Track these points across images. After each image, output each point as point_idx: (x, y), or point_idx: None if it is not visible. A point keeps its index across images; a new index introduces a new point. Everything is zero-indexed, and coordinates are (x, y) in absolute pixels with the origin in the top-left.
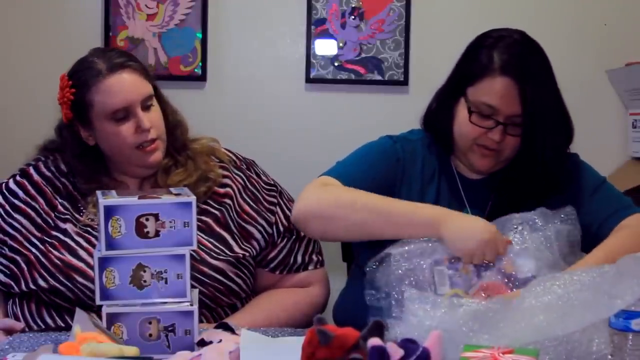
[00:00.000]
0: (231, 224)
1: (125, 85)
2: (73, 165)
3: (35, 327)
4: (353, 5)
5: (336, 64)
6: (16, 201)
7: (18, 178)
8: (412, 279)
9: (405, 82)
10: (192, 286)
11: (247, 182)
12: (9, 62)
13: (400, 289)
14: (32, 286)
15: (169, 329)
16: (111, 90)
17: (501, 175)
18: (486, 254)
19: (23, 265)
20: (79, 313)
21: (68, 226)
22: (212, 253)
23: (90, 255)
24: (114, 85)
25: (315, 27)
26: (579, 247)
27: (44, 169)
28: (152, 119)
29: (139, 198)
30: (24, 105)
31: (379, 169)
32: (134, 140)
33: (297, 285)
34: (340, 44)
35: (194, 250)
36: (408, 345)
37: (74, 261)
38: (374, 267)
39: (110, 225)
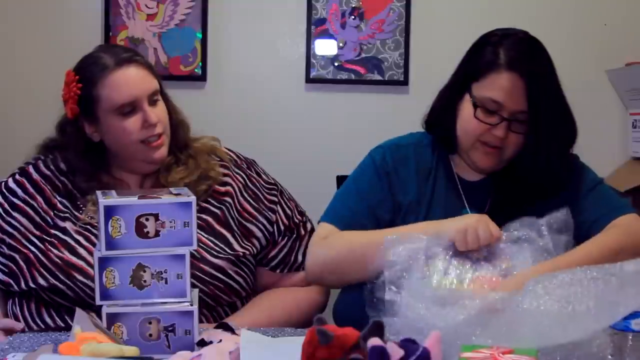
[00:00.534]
0: (232, 222)
1: (132, 80)
2: (75, 162)
3: (35, 327)
4: (353, 5)
5: (336, 64)
6: (15, 200)
7: (17, 177)
8: (405, 274)
9: (405, 82)
10: (193, 285)
11: (247, 181)
12: (9, 62)
13: (398, 282)
14: (31, 285)
15: (169, 329)
16: (118, 84)
17: (501, 175)
18: (479, 229)
19: (22, 263)
20: (79, 313)
21: (67, 224)
22: (213, 251)
23: (90, 253)
24: (121, 80)
25: (315, 27)
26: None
27: (43, 168)
28: (159, 114)
29: (139, 198)
30: (24, 105)
31: (371, 194)
32: (140, 134)
33: (297, 284)
34: (340, 44)
35: (194, 249)
36: (408, 345)
37: (74, 259)
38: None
39: (110, 225)
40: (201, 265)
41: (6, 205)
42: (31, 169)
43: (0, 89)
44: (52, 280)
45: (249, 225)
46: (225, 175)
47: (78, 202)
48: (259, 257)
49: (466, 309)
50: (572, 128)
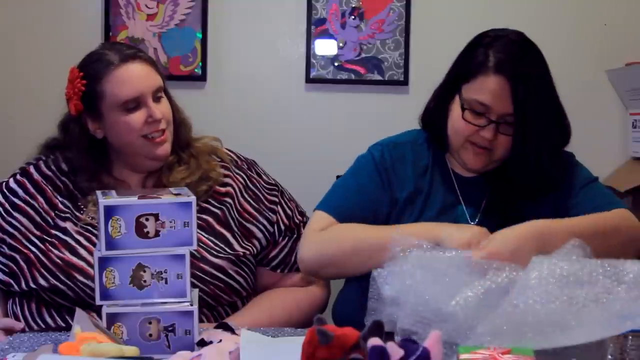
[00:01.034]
0: (232, 222)
1: (136, 75)
2: (77, 161)
3: (35, 327)
4: (353, 5)
5: (336, 64)
6: (16, 200)
7: (18, 177)
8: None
9: (405, 82)
10: (193, 284)
11: (248, 181)
12: (9, 62)
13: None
14: (32, 285)
15: (169, 329)
16: (123, 80)
17: (493, 175)
18: (482, 243)
19: (22, 264)
20: (79, 313)
21: (68, 225)
22: (213, 251)
23: (91, 253)
24: (126, 75)
25: (315, 27)
26: None
27: (44, 168)
28: (163, 110)
29: (139, 198)
30: (25, 105)
31: (369, 189)
32: (144, 130)
33: (297, 284)
34: (340, 44)
35: (194, 249)
36: (408, 345)
37: (74, 260)
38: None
39: (110, 225)
40: (201, 265)
41: (7, 206)
42: (32, 169)
43: (0, 89)
44: (53, 281)
45: (249, 225)
46: (225, 175)
47: (79, 203)
48: (259, 257)
49: (471, 288)
50: (564, 129)
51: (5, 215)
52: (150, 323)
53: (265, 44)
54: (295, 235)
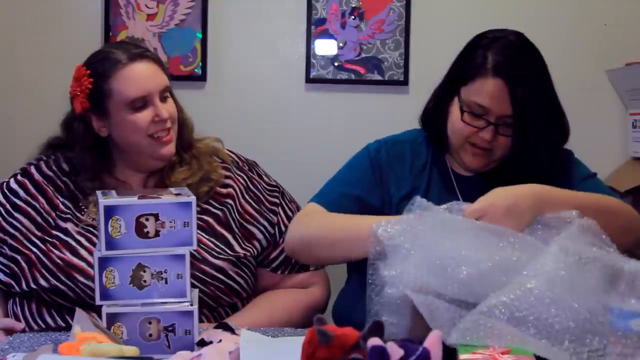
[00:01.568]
0: (233, 223)
1: (144, 75)
2: (80, 159)
3: (35, 327)
4: (353, 5)
5: (336, 64)
6: (17, 200)
7: (19, 177)
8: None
9: (405, 82)
10: (194, 285)
11: (249, 182)
12: (9, 62)
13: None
14: (33, 285)
15: (169, 329)
16: (131, 78)
17: (495, 172)
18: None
19: (23, 264)
20: (79, 313)
21: (69, 225)
22: (214, 252)
23: (92, 254)
24: (134, 74)
25: (315, 27)
26: None
27: (45, 168)
28: (169, 109)
29: (139, 198)
30: (25, 105)
31: (362, 184)
32: (150, 129)
33: (298, 285)
34: (340, 44)
35: (195, 250)
36: (408, 345)
37: (75, 260)
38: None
39: (110, 225)
40: (202, 266)
41: (8, 206)
42: (33, 170)
43: (0, 89)
44: (53, 281)
45: (249, 226)
46: (226, 177)
47: (80, 204)
48: (259, 259)
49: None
50: (563, 128)
51: (6, 216)
52: (150, 323)
53: (265, 44)
54: None
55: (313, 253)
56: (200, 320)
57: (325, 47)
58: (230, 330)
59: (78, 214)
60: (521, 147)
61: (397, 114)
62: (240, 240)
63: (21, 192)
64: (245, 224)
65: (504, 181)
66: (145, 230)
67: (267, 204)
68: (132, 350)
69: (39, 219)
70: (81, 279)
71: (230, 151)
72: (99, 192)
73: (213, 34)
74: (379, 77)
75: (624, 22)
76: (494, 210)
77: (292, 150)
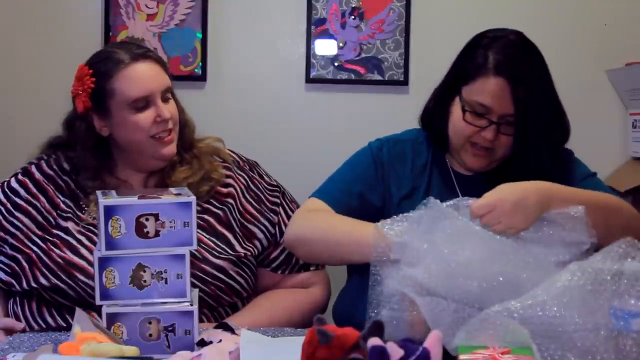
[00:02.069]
0: (233, 223)
1: (147, 75)
2: (81, 159)
3: (36, 327)
4: (353, 5)
5: (336, 64)
6: (17, 199)
7: (20, 176)
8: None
9: (405, 82)
10: (194, 285)
11: (249, 182)
12: (9, 62)
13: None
14: (33, 284)
15: (169, 329)
16: (133, 78)
17: (496, 171)
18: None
19: (24, 263)
20: (79, 313)
21: (70, 224)
22: (214, 252)
23: (92, 253)
24: (136, 74)
25: (315, 27)
26: None
27: (46, 168)
28: (171, 110)
29: (139, 198)
30: (24, 104)
31: (364, 181)
32: (152, 129)
33: (298, 285)
34: (340, 44)
35: (195, 249)
36: (408, 345)
37: (76, 259)
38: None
39: (110, 225)
40: (202, 265)
41: (9, 205)
42: (34, 169)
43: (0, 89)
44: (54, 280)
45: (250, 226)
46: (227, 176)
47: (81, 203)
48: (260, 258)
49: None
50: (564, 128)
51: (7, 215)
52: (150, 323)
53: (265, 44)
54: None
55: (312, 251)
56: (201, 320)
57: (325, 47)
58: (230, 330)
59: (79, 213)
60: (523, 146)
61: (397, 114)
62: (240, 239)
63: (22, 191)
64: (246, 223)
65: (505, 180)
66: (145, 230)
67: (267, 203)
68: (132, 350)
69: (39, 218)
70: (82, 277)
71: (232, 151)
72: (99, 192)
73: (213, 34)
74: (379, 77)
75: (624, 22)
76: (503, 205)
77: (292, 150)
